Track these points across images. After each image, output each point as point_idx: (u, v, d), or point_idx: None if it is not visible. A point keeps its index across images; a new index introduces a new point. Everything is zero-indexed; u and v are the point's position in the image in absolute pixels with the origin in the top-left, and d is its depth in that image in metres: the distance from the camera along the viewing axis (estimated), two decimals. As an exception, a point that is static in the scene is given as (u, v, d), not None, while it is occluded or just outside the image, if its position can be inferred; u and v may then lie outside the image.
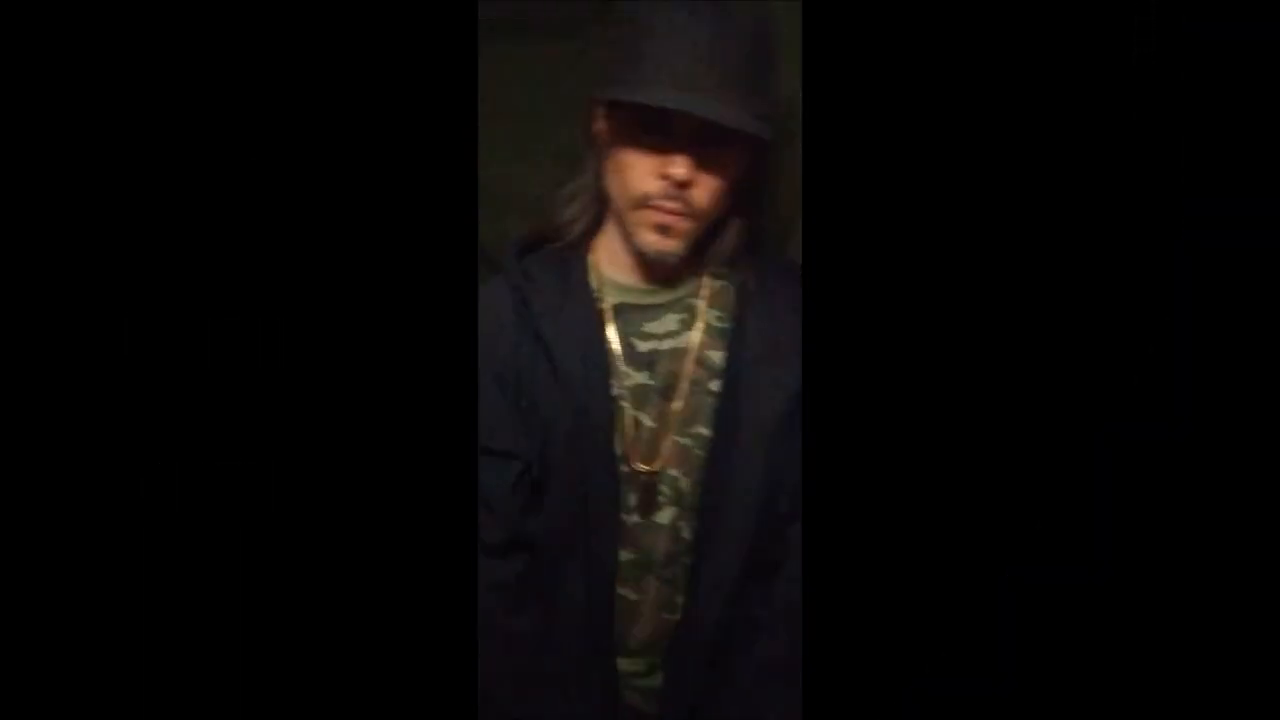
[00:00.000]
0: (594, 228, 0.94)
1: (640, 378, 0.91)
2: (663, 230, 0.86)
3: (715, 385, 0.91)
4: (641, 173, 0.85)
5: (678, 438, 0.90)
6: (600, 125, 0.89)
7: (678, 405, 0.90)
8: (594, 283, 0.93)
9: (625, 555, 0.91)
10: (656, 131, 0.84)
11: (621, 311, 0.92)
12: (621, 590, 0.91)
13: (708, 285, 0.93)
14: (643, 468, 0.90)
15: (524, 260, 0.94)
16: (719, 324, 0.93)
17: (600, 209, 0.93)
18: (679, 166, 0.83)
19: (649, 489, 0.90)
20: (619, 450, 0.90)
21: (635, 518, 0.90)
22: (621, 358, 0.91)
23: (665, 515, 0.90)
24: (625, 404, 0.90)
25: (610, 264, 0.93)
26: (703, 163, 0.84)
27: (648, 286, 0.93)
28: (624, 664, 0.92)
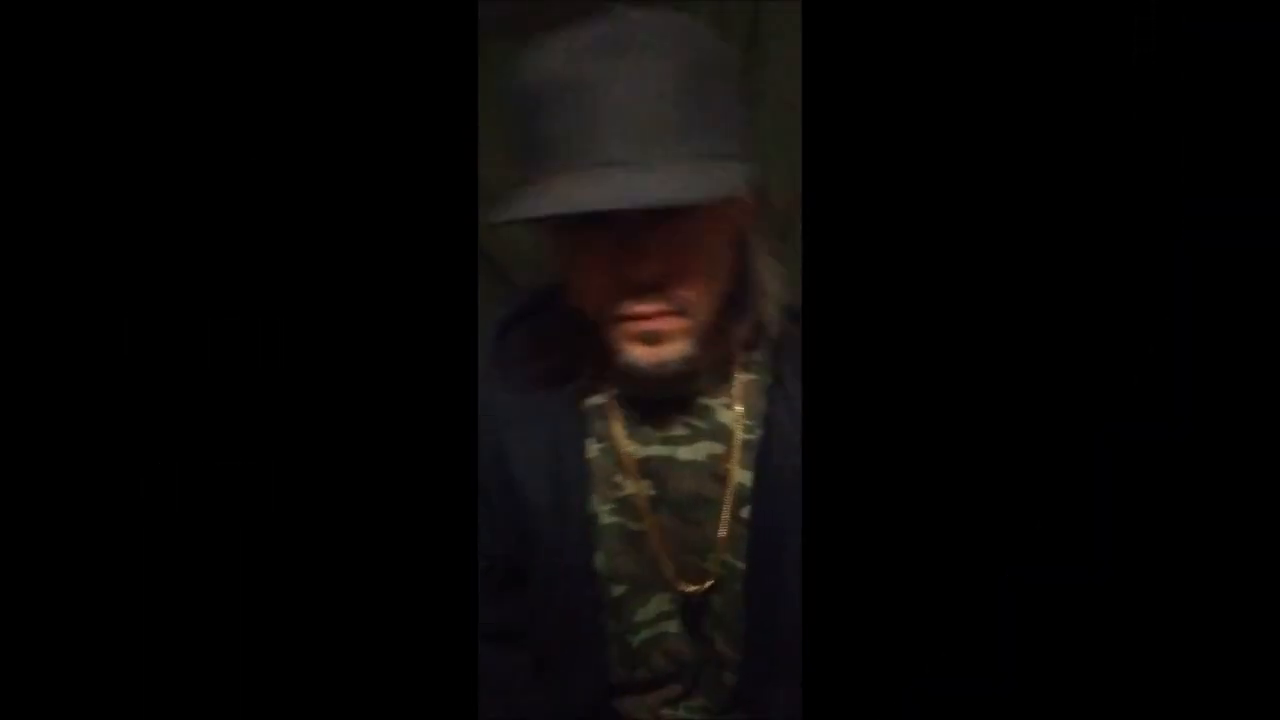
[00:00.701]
0: (593, 359, 0.76)
1: (629, 488, 0.76)
2: (651, 340, 0.68)
3: (743, 511, 0.76)
4: (600, 285, 0.68)
5: (704, 563, 0.76)
6: (547, 247, 0.70)
7: (689, 527, 0.76)
8: (587, 392, 0.76)
9: (620, 672, 0.79)
10: (601, 226, 0.65)
11: (613, 410, 0.76)
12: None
13: (734, 381, 0.77)
14: (686, 586, 0.76)
15: (506, 338, 0.78)
16: (744, 434, 0.76)
17: (589, 342, 0.74)
18: (642, 269, 0.65)
19: (697, 609, 0.76)
20: (599, 568, 0.76)
21: (645, 633, 0.78)
22: (607, 470, 0.77)
23: (674, 626, 0.78)
24: (610, 522, 0.76)
25: (612, 375, 0.75)
26: (672, 241, 0.66)
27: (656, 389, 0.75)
28: None
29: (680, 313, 0.68)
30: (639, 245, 0.65)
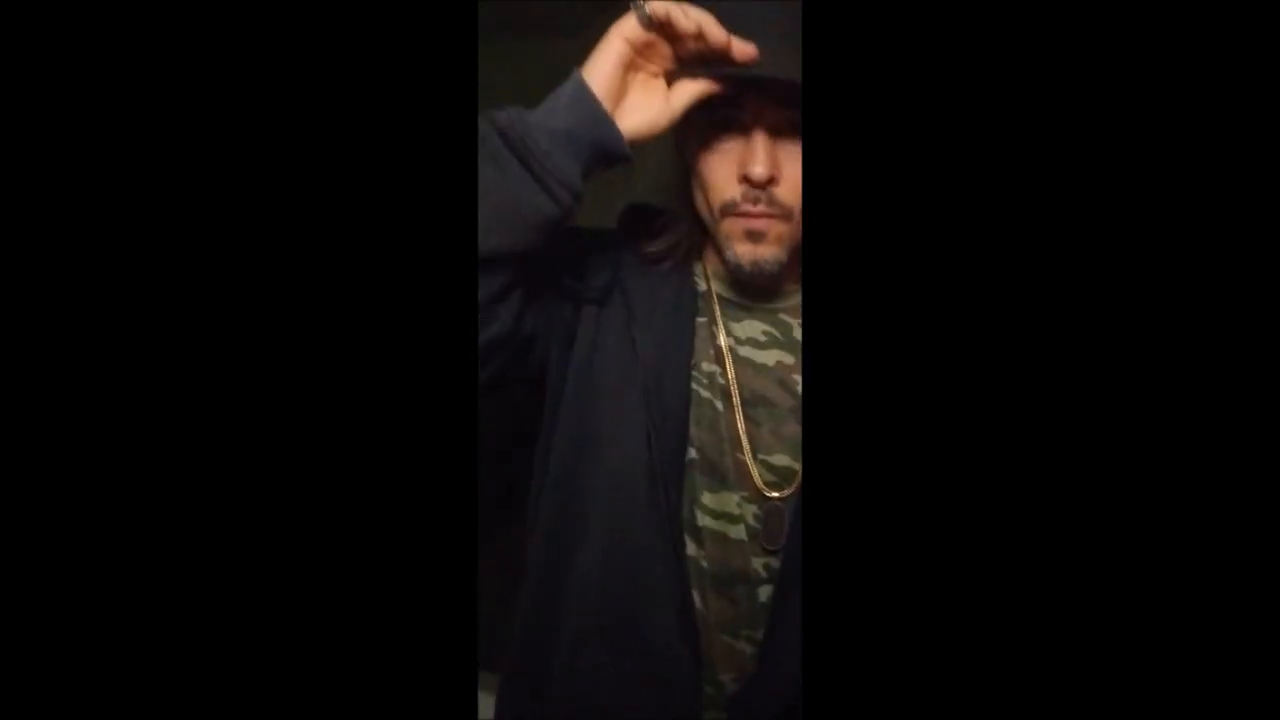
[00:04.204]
0: (694, 250, 0.90)
1: (717, 372, 0.87)
2: (755, 237, 0.82)
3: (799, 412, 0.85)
4: (722, 179, 0.82)
5: (753, 463, 0.85)
6: (685, 139, 0.84)
7: (751, 425, 0.86)
8: (698, 280, 0.89)
9: (694, 551, 0.85)
10: (732, 124, 0.80)
11: (712, 300, 0.88)
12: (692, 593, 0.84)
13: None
14: (762, 488, 0.85)
15: (633, 220, 0.91)
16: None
17: (697, 233, 0.89)
18: (758, 164, 0.79)
19: (772, 515, 0.84)
20: (693, 434, 0.85)
21: (707, 519, 0.85)
22: (705, 344, 0.87)
23: (739, 532, 0.85)
24: (697, 390, 0.86)
25: (716, 275, 0.90)
26: (784, 154, 0.80)
27: (747, 299, 0.89)
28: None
29: (783, 216, 0.81)
30: (758, 146, 0.79)
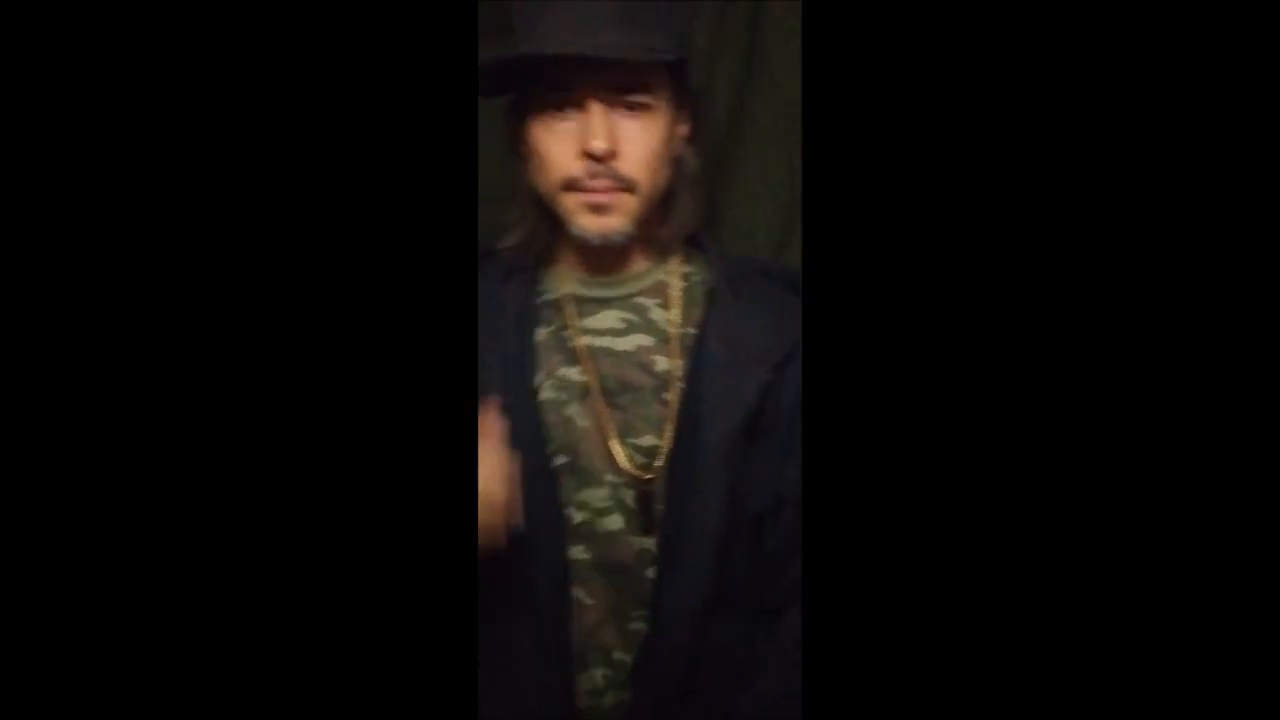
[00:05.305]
0: (546, 249, 0.91)
1: (571, 373, 0.88)
2: (599, 209, 0.84)
3: (666, 394, 0.88)
4: (560, 156, 0.83)
5: (620, 447, 0.88)
6: (515, 122, 0.86)
7: (617, 413, 0.88)
8: (543, 282, 0.91)
9: (577, 553, 0.87)
10: (566, 104, 0.82)
11: (567, 304, 0.90)
12: (576, 592, 0.87)
13: (671, 284, 0.91)
14: (636, 473, 0.87)
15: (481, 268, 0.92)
16: (672, 328, 0.89)
17: (545, 226, 0.89)
18: (597, 138, 0.81)
19: (646, 499, 0.87)
20: (548, 446, 0.87)
21: (583, 515, 0.88)
22: (553, 351, 0.89)
23: (615, 522, 0.87)
24: (550, 397, 0.88)
25: (568, 263, 0.91)
26: (622, 129, 0.82)
27: (600, 279, 0.90)
28: (583, 679, 0.88)
29: (625, 189, 0.83)
30: (595, 122, 0.81)
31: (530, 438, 0.85)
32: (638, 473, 0.87)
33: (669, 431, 0.87)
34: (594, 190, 0.83)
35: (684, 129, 0.88)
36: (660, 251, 0.91)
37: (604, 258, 0.89)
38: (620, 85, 0.82)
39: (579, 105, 0.82)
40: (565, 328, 0.89)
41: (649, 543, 0.87)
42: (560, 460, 0.87)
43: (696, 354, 0.88)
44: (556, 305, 0.90)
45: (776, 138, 1.15)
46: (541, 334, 0.90)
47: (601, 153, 0.81)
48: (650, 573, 0.87)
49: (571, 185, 0.83)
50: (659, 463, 0.87)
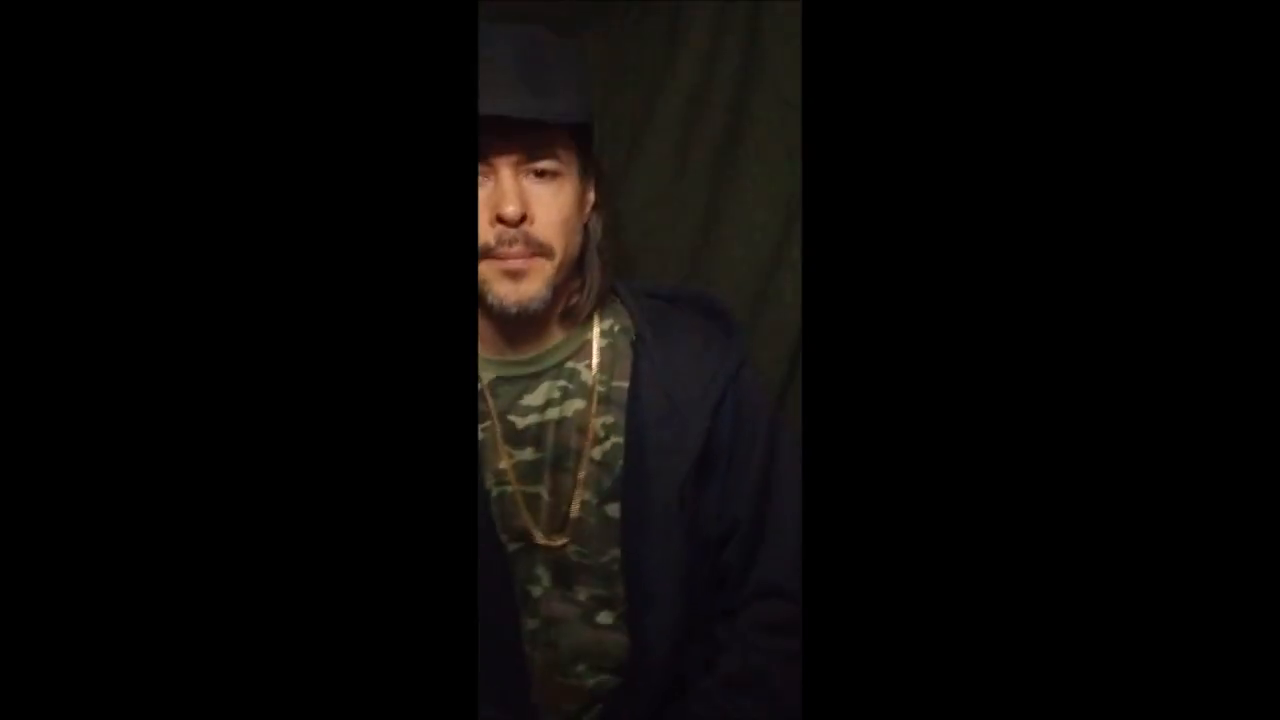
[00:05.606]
0: None
1: (524, 455, 0.89)
2: (515, 276, 0.83)
3: (605, 456, 0.89)
4: (479, 224, 0.83)
5: (580, 514, 0.89)
6: None
7: (569, 480, 0.89)
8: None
9: (531, 624, 0.90)
10: (482, 171, 0.82)
11: (496, 387, 0.90)
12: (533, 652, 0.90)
13: (592, 345, 0.91)
14: (547, 542, 0.89)
15: None
16: (602, 387, 0.90)
17: None
18: (509, 203, 0.81)
19: (561, 564, 0.90)
20: (519, 527, 0.89)
21: (541, 588, 0.90)
22: (501, 437, 0.89)
23: (582, 593, 0.90)
24: (509, 484, 0.89)
25: (486, 345, 0.90)
26: (533, 194, 0.82)
27: (522, 355, 0.90)
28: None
29: (539, 253, 0.83)
30: (506, 187, 0.82)
31: (489, 531, 0.87)
32: (548, 541, 0.89)
33: (600, 490, 0.88)
34: (509, 256, 0.82)
35: (592, 196, 0.89)
36: (575, 320, 0.90)
37: (523, 329, 0.88)
38: (528, 153, 0.82)
39: (487, 172, 0.82)
40: (497, 421, 0.89)
41: (579, 595, 0.90)
42: (514, 547, 0.89)
43: (631, 410, 0.88)
44: (481, 396, 0.89)
45: (776, 138, 1.15)
46: (481, 433, 0.89)
47: (514, 217, 0.80)
48: (604, 617, 0.90)
49: (486, 253, 0.82)
50: (565, 537, 0.89)
